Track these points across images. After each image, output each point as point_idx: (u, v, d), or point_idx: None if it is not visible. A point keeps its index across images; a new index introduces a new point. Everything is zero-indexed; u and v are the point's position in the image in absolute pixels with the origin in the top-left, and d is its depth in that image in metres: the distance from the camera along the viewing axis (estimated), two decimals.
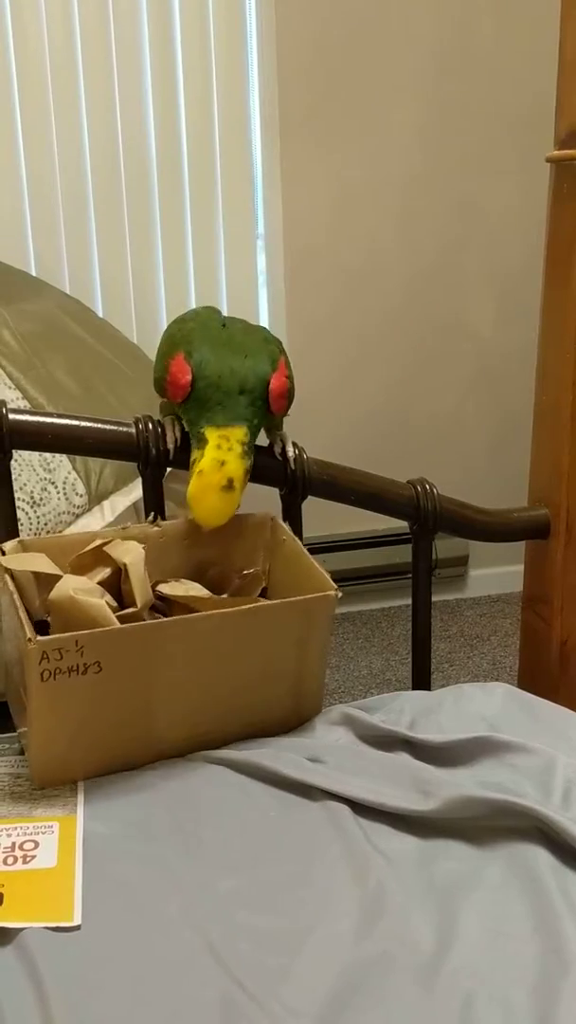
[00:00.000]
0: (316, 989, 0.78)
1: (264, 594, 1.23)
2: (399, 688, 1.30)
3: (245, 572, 1.22)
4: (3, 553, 1.12)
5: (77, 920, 0.85)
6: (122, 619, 1.04)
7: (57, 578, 1.06)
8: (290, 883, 0.90)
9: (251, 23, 2.26)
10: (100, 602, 1.03)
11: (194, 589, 1.15)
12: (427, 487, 1.30)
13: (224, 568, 1.22)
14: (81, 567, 1.12)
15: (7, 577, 1.07)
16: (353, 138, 2.39)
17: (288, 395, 1.18)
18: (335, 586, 1.09)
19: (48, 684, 0.96)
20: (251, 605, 1.06)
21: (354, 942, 0.83)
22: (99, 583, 1.08)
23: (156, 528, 1.18)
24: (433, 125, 2.42)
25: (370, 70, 2.35)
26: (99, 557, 1.11)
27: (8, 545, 1.13)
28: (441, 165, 2.45)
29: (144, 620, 1.05)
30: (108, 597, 1.07)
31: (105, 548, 1.10)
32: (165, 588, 1.13)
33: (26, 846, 0.95)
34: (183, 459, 1.22)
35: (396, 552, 2.44)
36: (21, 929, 0.83)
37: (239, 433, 1.12)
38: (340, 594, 1.09)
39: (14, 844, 0.95)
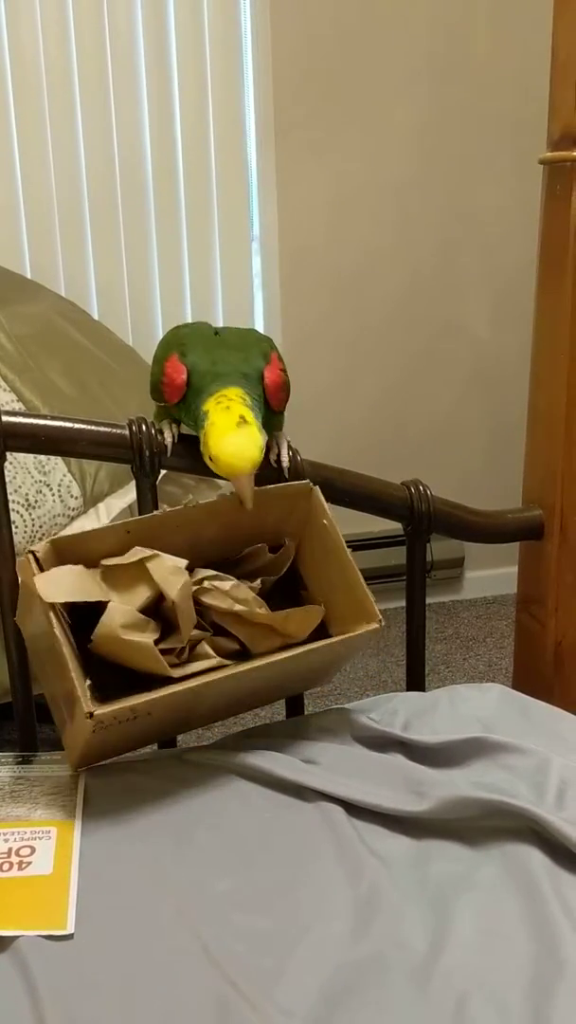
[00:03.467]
0: (310, 990, 0.78)
1: (294, 568, 1.20)
2: (395, 690, 1.30)
3: (276, 545, 1.19)
4: (37, 562, 1.02)
5: (70, 929, 0.84)
6: (167, 651, 1.04)
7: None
8: (284, 884, 0.90)
9: (246, 26, 2.27)
10: (149, 644, 1.02)
11: (230, 585, 1.10)
12: (421, 488, 1.31)
13: (256, 540, 1.18)
14: (117, 580, 1.06)
15: (51, 612, 0.99)
16: (348, 141, 2.39)
17: (285, 388, 1.18)
18: (379, 615, 1.09)
19: (98, 734, 0.98)
20: (300, 651, 1.06)
21: (348, 943, 0.83)
22: (141, 608, 1.05)
23: (192, 508, 1.12)
24: (428, 128, 2.43)
25: (365, 73, 2.36)
26: (139, 572, 1.06)
27: (40, 549, 1.04)
28: (436, 168, 2.46)
29: (185, 644, 1.06)
30: (152, 624, 1.05)
31: (147, 565, 1.05)
32: (208, 599, 1.09)
33: (22, 852, 0.95)
34: (179, 461, 1.22)
35: (392, 554, 2.45)
36: (16, 937, 0.83)
37: (234, 391, 1.10)
38: (383, 623, 1.09)
39: (11, 850, 0.95)
